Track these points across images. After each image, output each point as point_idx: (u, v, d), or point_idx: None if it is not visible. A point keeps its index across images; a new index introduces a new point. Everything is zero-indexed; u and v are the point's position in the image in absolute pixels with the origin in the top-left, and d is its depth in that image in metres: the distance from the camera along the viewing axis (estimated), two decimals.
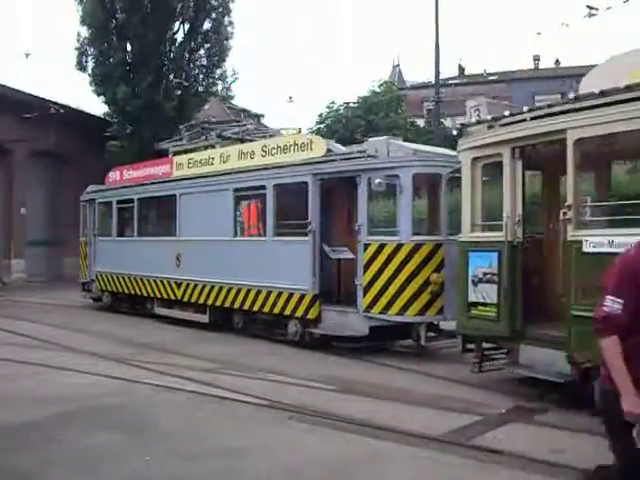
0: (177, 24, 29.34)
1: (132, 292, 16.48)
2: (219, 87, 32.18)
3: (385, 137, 11.53)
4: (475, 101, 9.14)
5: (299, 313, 11.77)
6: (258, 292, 12.58)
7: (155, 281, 15.56)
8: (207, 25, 30.06)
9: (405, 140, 12.70)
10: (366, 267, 10.90)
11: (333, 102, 35.61)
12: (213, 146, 14.95)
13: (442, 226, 10.78)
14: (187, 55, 29.91)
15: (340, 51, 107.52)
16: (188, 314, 14.72)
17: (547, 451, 5.96)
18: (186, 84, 28.97)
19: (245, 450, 6.04)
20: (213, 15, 29.94)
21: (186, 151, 15.86)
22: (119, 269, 16.90)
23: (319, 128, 34.12)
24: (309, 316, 11.61)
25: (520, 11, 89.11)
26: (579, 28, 69.03)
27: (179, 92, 29.34)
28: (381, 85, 36.39)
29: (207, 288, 13.92)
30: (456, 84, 39.14)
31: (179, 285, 14.76)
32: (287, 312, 12.00)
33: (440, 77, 25.67)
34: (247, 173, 13.07)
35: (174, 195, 15.03)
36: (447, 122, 32.04)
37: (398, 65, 55.34)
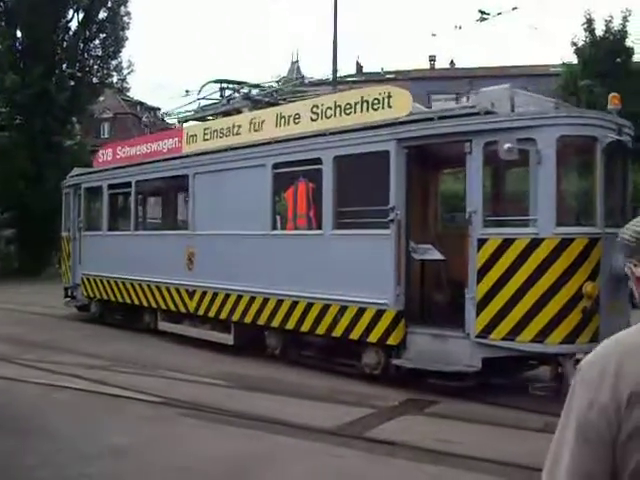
0: (71, 12, 28.95)
1: (128, 301, 12.99)
2: (114, 78, 31.96)
3: (506, 85, 8.18)
4: None
5: (374, 337, 8.40)
6: (308, 306, 9.21)
7: (158, 288, 12.10)
8: (102, 14, 29.69)
9: None
10: (482, 273, 7.60)
11: (231, 97, 35.20)
12: (239, 111, 11.51)
13: (598, 214, 7.49)
14: (81, 45, 29.63)
15: (238, 46, 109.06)
16: (203, 332, 11.29)
17: (438, 441, 6.15)
18: (80, 74, 28.80)
19: (134, 448, 5.97)
20: (109, 4, 29.51)
21: (199, 119, 12.39)
22: (111, 272, 13.41)
23: None
24: (390, 341, 8.26)
25: (416, 12, 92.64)
26: (472, 31, 73.16)
27: (72, 83, 28.88)
28: (279, 81, 37.38)
29: (232, 299, 10.51)
30: (354, 81, 37.44)
31: (191, 294, 11.33)
32: (354, 335, 8.63)
33: (338, 74, 26.47)
34: (293, 143, 9.66)
35: (185, 176, 11.58)
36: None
37: (297, 61, 56.67)
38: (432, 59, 49.96)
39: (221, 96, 12.23)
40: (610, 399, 1.32)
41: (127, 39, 30.60)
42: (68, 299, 15.83)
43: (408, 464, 5.70)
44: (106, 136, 61.47)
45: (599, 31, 24.11)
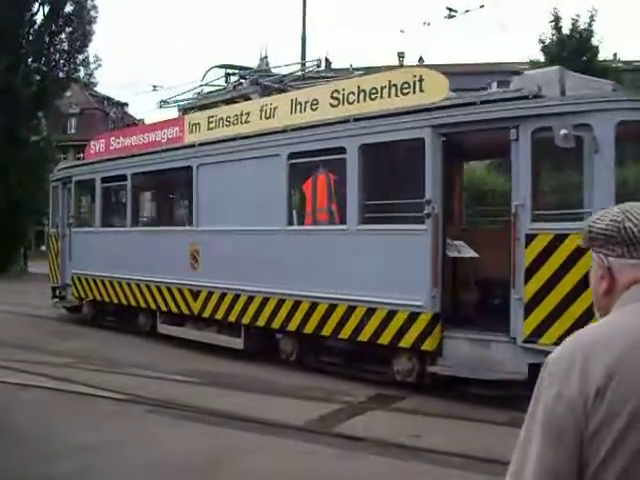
0: (37, 5, 28.60)
1: (124, 302, 12.17)
2: (81, 73, 31.71)
3: (556, 67, 7.53)
4: None
5: (407, 342, 7.73)
6: (330, 308, 8.50)
7: (158, 288, 11.30)
8: (69, 8, 29.33)
9: None
10: (530, 272, 6.96)
11: (200, 93, 35.61)
12: (247, 97, 10.74)
13: None
14: (47, 38, 29.11)
15: (206, 41, 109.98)
16: (209, 335, 10.52)
17: (405, 436, 6.23)
18: (46, 69, 28.36)
19: (101, 446, 5.87)
20: None
21: (201, 108, 11.59)
22: (105, 271, 12.58)
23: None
24: (426, 347, 7.59)
25: (385, 8, 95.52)
26: (441, 28, 73.74)
27: (38, 77, 28.78)
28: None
29: (242, 300, 9.76)
30: (322, 77, 40.36)
31: (196, 294, 10.57)
32: (384, 340, 7.94)
33: (307, 70, 26.23)
34: (312, 130, 8.92)
35: (188, 168, 10.79)
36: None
37: (266, 57, 57.97)
38: (401, 55, 50.39)
39: (226, 82, 11.42)
40: (577, 394, 1.34)
41: (94, 33, 30.50)
42: (56, 300, 14.95)
43: (376, 459, 5.74)
44: (73, 131, 60.51)
45: (566, 29, 24.08)
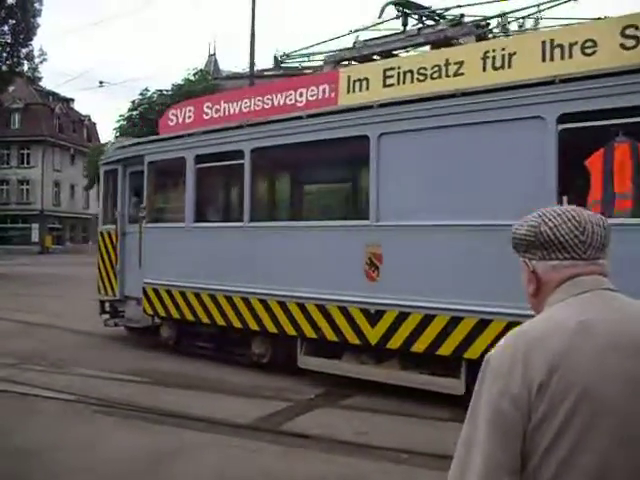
0: None
1: (236, 324, 9.14)
2: (25, 67, 31.21)
3: None
4: None
5: None
6: None
7: (301, 307, 8.35)
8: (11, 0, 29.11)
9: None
10: None
11: (147, 89, 35.52)
12: (446, 43, 7.88)
13: None
14: None
15: (155, 38, 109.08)
16: (401, 375, 7.64)
17: (352, 433, 6.37)
18: None
19: (43, 448, 5.82)
20: None
21: (362, 60, 8.63)
22: (199, 281, 9.52)
23: (131, 115, 34.36)
24: None
25: (336, 8, 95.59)
26: (393, 31, 69.47)
27: None
28: (196, 74, 37.01)
29: (465, 325, 6.95)
30: (271, 76, 39.76)
31: (375, 317, 7.68)
32: None
33: (256, 68, 26.78)
34: (600, 81, 6.18)
35: (361, 139, 7.85)
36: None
37: (214, 54, 56.64)
38: None
39: (404, 25, 8.52)
40: (521, 389, 1.39)
41: (39, 26, 29.77)
42: (107, 316, 11.75)
43: (323, 456, 5.82)
44: (17, 126, 59.25)
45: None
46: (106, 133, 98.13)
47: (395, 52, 8.53)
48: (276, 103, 9.05)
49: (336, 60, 9.08)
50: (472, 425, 1.44)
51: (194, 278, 9.64)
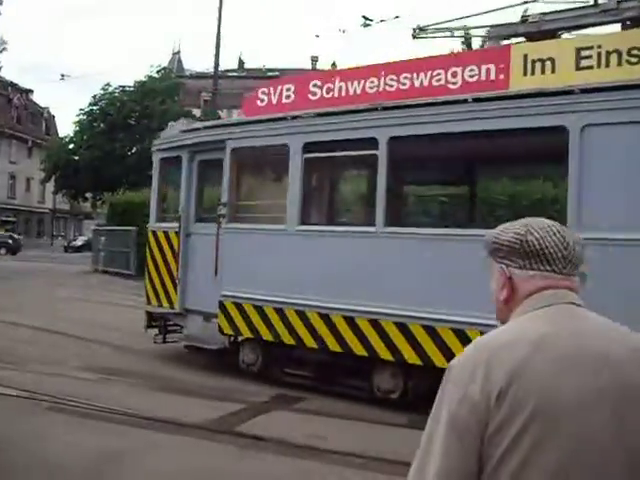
0: None
1: (358, 351, 7.55)
2: None
3: None
4: None
5: None
6: None
7: (459, 332, 6.84)
8: None
9: None
10: None
11: (109, 84, 35.78)
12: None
13: None
14: None
15: (120, 34, 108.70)
16: None
17: (306, 436, 6.38)
18: None
19: None
20: None
21: (537, 36, 7.19)
22: (308, 295, 7.90)
23: (92, 109, 34.96)
24: None
25: (300, 13, 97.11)
26: (356, 35, 72.87)
27: None
28: (160, 71, 37.16)
29: None
30: (235, 77, 43.23)
31: None
32: None
33: (220, 68, 27.56)
34: None
35: (555, 130, 6.41)
36: (223, 114, 34.72)
37: (179, 52, 58.11)
38: (314, 59, 52.55)
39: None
40: (480, 396, 1.43)
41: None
42: (157, 332, 9.99)
43: (277, 459, 5.84)
44: None
45: (475, 45, 25.31)
46: (65, 127, 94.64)
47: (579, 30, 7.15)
48: (417, 84, 7.55)
49: (504, 35, 7.63)
50: (433, 428, 1.48)
51: (297, 293, 8.01)
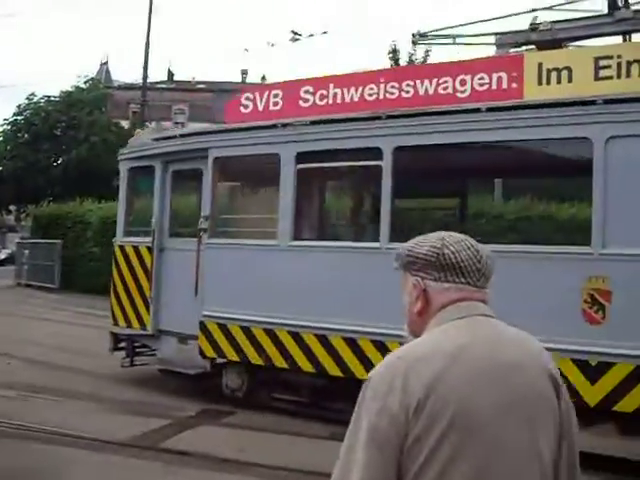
0: None
1: (359, 374, 7.06)
2: None
3: None
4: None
5: None
6: None
7: None
8: None
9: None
10: None
11: (34, 94, 34.80)
12: None
13: None
14: None
15: (47, 43, 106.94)
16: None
17: (233, 450, 6.40)
18: None
19: None
20: None
21: (546, 45, 6.98)
22: (303, 315, 7.38)
23: (16, 120, 33.84)
24: None
25: (230, 26, 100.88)
26: (286, 49, 76.17)
27: None
28: (87, 82, 36.78)
29: None
30: (164, 89, 42.52)
31: (597, 371, 6.01)
32: None
33: (149, 80, 27.51)
34: None
35: (583, 141, 6.17)
36: (152, 126, 33.11)
37: (107, 63, 56.98)
38: (244, 73, 51.92)
39: (612, 7, 6.94)
40: (399, 408, 1.46)
41: None
42: (124, 356, 9.22)
43: (202, 474, 5.84)
44: None
45: (403, 61, 25.53)
46: None
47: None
48: (422, 92, 7.22)
49: (514, 43, 7.38)
50: (353, 440, 1.50)
51: (290, 313, 7.48)
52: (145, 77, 26.41)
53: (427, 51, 25.47)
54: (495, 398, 1.48)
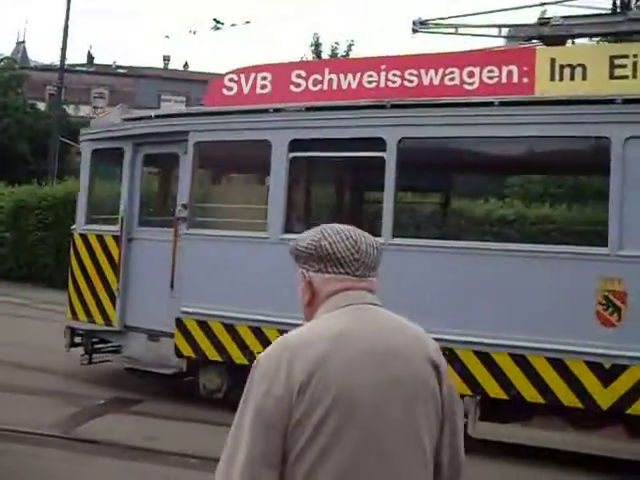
0: None
1: None
2: None
3: None
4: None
5: None
6: None
7: (483, 357, 6.31)
8: None
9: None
10: None
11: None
12: None
13: None
14: None
15: None
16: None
17: (143, 438, 6.43)
18: None
19: None
20: None
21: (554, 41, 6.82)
22: (297, 313, 6.98)
23: None
24: None
25: (151, 12, 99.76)
26: (208, 37, 74.99)
27: None
28: (1, 60, 36.37)
29: None
30: (83, 72, 41.36)
31: (609, 375, 5.95)
32: None
33: (68, 62, 27.32)
34: None
35: (601, 140, 6.07)
36: (70, 109, 34.63)
37: (23, 42, 55.24)
38: (166, 59, 51.02)
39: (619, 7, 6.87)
40: (284, 390, 1.54)
41: None
42: (82, 353, 8.53)
43: (112, 462, 5.83)
44: None
45: (325, 54, 26.73)
46: None
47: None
48: (426, 82, 6.94)
49: (525, 36, 7.18)
50: (241, 420, 1.57)
51: (278, 310, 7.06)
52: (63, 58, 25.86)
53: (350, 45, 26.84)
54: (375, 382, 1.56)
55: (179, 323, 7.60)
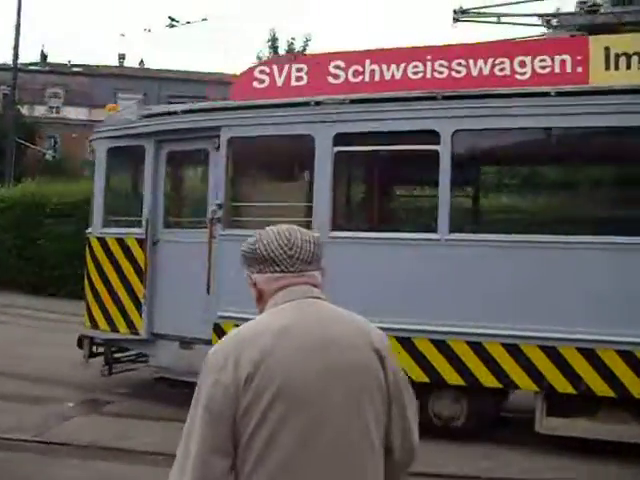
0: None
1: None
2: None
3: None
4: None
5: None
6: None
7: (548, 350, 6.22)
8: None
9: None
10: None
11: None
12: None
13: None
14: None
15: None
16: None
17: (112, 438, 6.47)
18: None
19: None
20: None
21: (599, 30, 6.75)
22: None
23: None
24: None
25: (106, 10, 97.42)
26: (163, 35, 77.76)
27: None
28: None
29: None
30: (38, 71, 41.35)
31: None
32: None
33: (20, 61, 26.92)
34: None
35: None
36: (24, 109, 34.88)
37: None
38: (122, 57, 50.93)
39: None
40: (232, 380, 1.63)
41: None
42: (103, 363, 8.09)
43: (85, 463, 5.87)
44: None
45: (282, 50, 27.64)
46: None
47: None
48: (475, 72, 6.78)
49: (576, 25, 7.08)
50: (193, 412, 1.66)
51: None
52: (16, 58, 25.36)
53: (307, 40, 27.23)
54: (317, 370, 1.64)
55: (217, 328, 7.24)
